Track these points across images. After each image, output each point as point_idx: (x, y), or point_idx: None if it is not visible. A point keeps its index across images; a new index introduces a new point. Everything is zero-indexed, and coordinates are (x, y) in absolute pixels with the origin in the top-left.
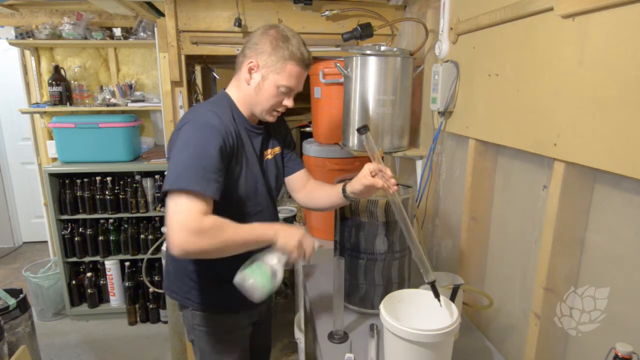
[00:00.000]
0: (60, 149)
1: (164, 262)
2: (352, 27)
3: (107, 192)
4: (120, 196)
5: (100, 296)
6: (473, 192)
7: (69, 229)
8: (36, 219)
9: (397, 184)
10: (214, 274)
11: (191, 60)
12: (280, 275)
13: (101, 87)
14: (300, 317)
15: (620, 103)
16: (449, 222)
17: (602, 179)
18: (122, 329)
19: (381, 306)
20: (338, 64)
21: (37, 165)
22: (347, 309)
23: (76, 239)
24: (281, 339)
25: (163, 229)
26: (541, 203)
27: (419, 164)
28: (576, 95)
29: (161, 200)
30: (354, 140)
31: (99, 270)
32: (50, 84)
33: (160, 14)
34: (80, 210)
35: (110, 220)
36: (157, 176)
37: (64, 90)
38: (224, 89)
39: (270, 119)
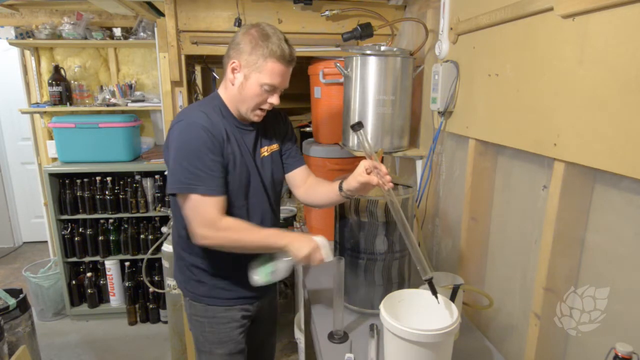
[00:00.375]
0: (60, 149)
1: (164, 262)
2: (352, 27)
3: (107, 192)
4: (120, 196)
5: (100, 296)
6: (473, 192)
7: (69, 229)
8: (36, 219)
9: (397, 184)
10: (210, 267)
11: (191, 60)
12: (283, 275)
13: (101, 87)
14: (300, 317)
15: (620, 103)
16: (449, 222)
17: (602, 179)
18: (122, 329)
19: (381, 306)
20: (338, 64)
21: (37, 165)
22: (347, 309)
23: (76, 239)
24: (281, 339)
25: (163, 229)
26: (541, 203)
27: (419, 164)
28: (576, 95)
29: (161, 201)
30: (354, 140)
31: (99, 270)
32: (50, 84)
33: (160, 14)
34: (80, 210)
35: (110, 220)
36: (157, 176)
37: (64, 90)
38: (217, 90)
39: (255, 118)
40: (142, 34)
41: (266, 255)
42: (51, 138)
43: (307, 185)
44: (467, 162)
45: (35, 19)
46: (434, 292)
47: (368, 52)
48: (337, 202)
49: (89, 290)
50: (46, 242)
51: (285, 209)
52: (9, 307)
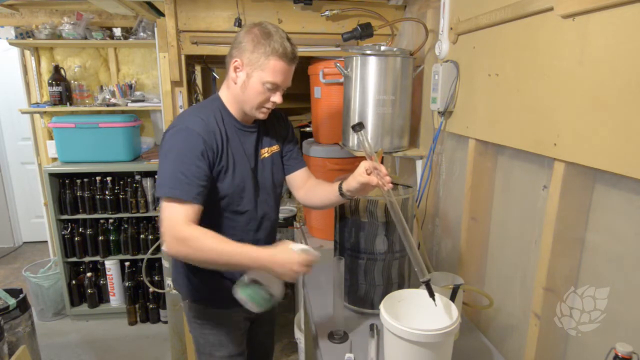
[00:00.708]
0: (60, 149)
1: (164, 262)
2: (352, 27)
3: (107, 192)
4: (120, 196)
5: (100, 296)
6: (473, 192)
7: (69, 229)
8: (36, 219)
9: (397, 184)
10: (210, 270)
11: (191, 60)
12: (278, 294)
13: (101, 87)
14: (300, 317)
15: (620, 103)
16: (449, 222)
17: (602, 179)
18: (122, 329)
19: (381, 306)
20: (338, 64)
21: (37, 165)
22: (347, 309)
23: (76, 239)
24: (281, 339)
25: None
26: (541, 203)
27: (419, 164)
28: (576, 95)
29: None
30: (354, 140)
31: (99, 270)
32: (50, 84)
33: (160, 14)
34: (80, 210)
35: (110, 220)
36: (156, 176)
37: (64, 90)
38: (218, 92)
39: (261, 116)
40: (142, 34)
41: (248, 282)
42: (51, 138)
43: (307, 187)
44: (467, 162)
45: (35, 19)
46: (432, 294)
47: (368, 52)
48: (336, 203)
49: (89, 290)
50: (46, 242)
51: (285, 209)
52: (9, 307)
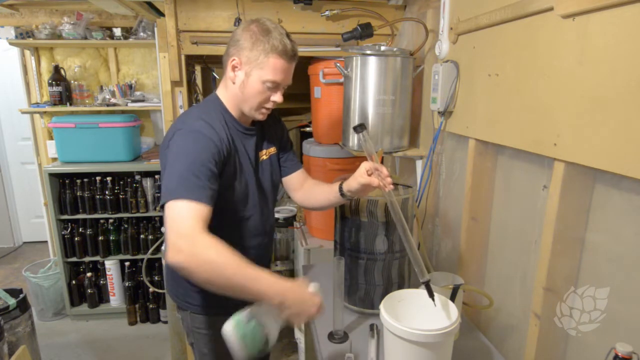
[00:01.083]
0: (60, 149)
1: (164, 262)
2: (352, 27)
3: (107, 192)
4: (120, 196)
5: (100, 296)
6: (473, 192)
7: (69, 229)
8: (36, 219)
9: (397, 184)
10: None
11: (191, 60)
12: (273, 340)
13: (101, 87)
14: None
15: (620, 103)
16: (449, 222)
17: (602, 179)
18: (122, 329)
19: (381, 306)
20: (338, 64)
21: (37, 165)
22: (347, 309)
23: (76, 239)
24: (281, 339)
25: (163, 229)
26: (541, 203)
27: (419, 164)
28: (576, 95)
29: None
30: (354, 140)
31: (99, 270)
32: (50, 84)
33: (160, 14)
34: (80, 210)
35: (110, 220)
36: (157, 176)
37: (64, 90)
38: (215, 90)
39: (260, 117)
40: (142, 34)
41: (247, 317)
42: (51, 138)
43: (304, 188)
44: (467, 162)
45: (35, 19)
46: (431, 295)
47: (368, 52)
48: (336, 203)
49: (89, 290)
50: (46, 242)
51: (285, 209)
52: (9, 307)
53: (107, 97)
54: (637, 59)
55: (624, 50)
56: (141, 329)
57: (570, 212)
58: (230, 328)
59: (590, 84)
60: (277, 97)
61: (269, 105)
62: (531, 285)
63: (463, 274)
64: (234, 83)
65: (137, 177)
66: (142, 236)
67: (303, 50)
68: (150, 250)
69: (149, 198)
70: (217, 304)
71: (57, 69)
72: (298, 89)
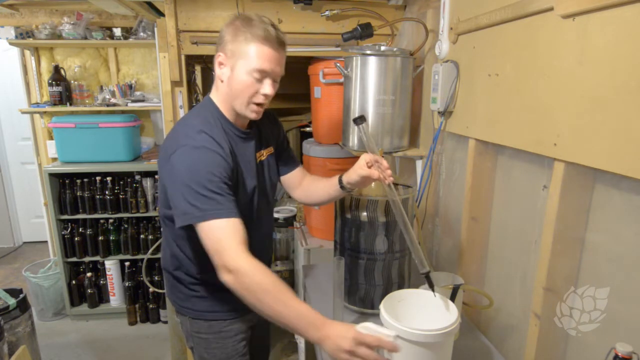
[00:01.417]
0: (60, 149)
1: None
2: (352, 27)
3: (107, 192)
4: (120, 196)
5: (100, 296)
6: (473, 192)
7: (69, 229)
8: (36, 219)
9: (397, 184)
10: (211, 280)
11: (191, 60)
12: None
13: (101, 87)
14: None
15: (620, 103)
16: (449, 222)
17: (602, 179)
18: (122, 329)
19: (381, 306)
20: (338, 64)
21: (37, 165)
22: (347, 309)
23: (76, 239)
24: (281, 339)
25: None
26: (541, 203)
27: (419, 164)
28: (576, 95)
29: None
30: (354, 140)
31: (99, 270)
32: (50, 84)
33: (160, 14)
34: (80, 210)
35: (110, 220)
36: (157, 176)
37: (64, 90)
38: (209, 93)
39: (253, 115)
40: (142, 34)
41: None
42: (51, 138)
43: (304, 185)
44: (467, 162)
45: (35, 19)
46: (431, 286)
47: (368, 52)
48: (336, 197)
49: (89, 290)
50: (46, 242)
51: (285, 209)
52: (9, 307)
53: (107, 97)
54: (637, 59)
55: (624, 50)
56: (141, 329)
57: (570, 212)
58: None
59: (590, 84)
60: (267, 89)
61: (259, 100)
62: (531, 285)
63: (463, 274)
64: (222, 81)
65: (137, 177)
66: (142, 236)
67: (303, 50)
68: (150, 250)
69: (149, 198)
70: (216, 309)
71: (57, 69)
72: (298, 89)
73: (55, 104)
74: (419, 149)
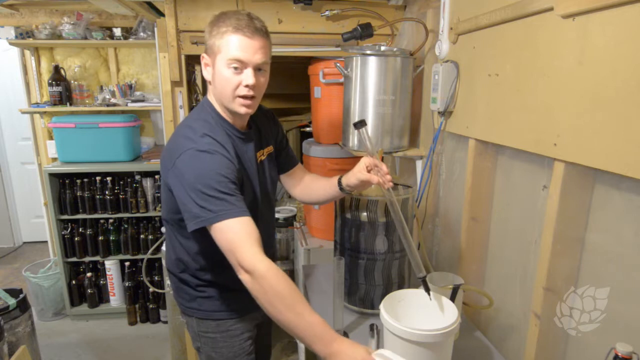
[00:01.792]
0: (60, 149)
1: (164, 262)
2: (352, 27)
3: (107, 192)
4: (120, 196)
5: (100, 296)
6: (473, 192)
7: (69, 229)
8: (36, 219)
9: (397, 184)
10: (217, 280)
11: (191, 60)
12: None
13: (101, 87)
14: None
15: (620, 103)
16: (449, 222)
17: (602, 179)
18: (122, 329)
19: (381, 306)
20: (338, 64)
21: (37, 165)
22: (347, 309)
23: (76, 239)
24: (281, 339)
25: (163, 229)
26: (541, 203)
27: (419, 164)
28: (576, 95)
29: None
30: (354, 140)
31: (99, 270)
32: (50, 84)
33: (160, 14)
34: (80, 210)
35: (110, 220)
36: (157, 176)
37: (64, 90)
38: (206, 95)
39: (242, 109)
40: (142, 34)
41: None
42: (51, 138)
43: (303, 183)
44: (467, 162)
45: (35, 19)
46: (427, 290)
47: (368, 52)
48: (335, 197)
49: (89, 290)
50: (46, 242)
51: (285, 209)
52: (9, 307)
53: (107, 97)
54: (637, 59)
55: (624, 50)
56: (141, 329)
57: (570, 212)
58: None
59: (590, 84)
60: (248, 79)
61: (243, 92)
62: (531, 285)
63: (463, 274)
64: (210, 82)
65: (137, 177)
66: (142, 236)
67: (303, 50)
68: (150, 250)
69: (149, 198)
70: (223, 308)
71: (57, 69)
72: (298, 89)
73: (55, 104)
74: (419, 149)
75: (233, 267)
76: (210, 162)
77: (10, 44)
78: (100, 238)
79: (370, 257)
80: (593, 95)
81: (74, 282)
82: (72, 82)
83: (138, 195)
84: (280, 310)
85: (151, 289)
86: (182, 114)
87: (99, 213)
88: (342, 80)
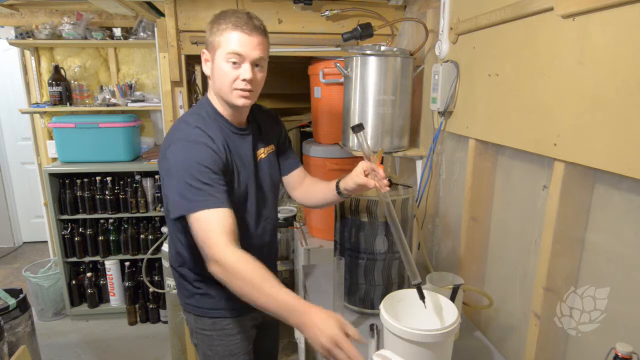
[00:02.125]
0: (60, 149)
1: (164, 262)
2: (352, 27)
3: (107, 192)
4: (120, 196)
5: (100, 296)
6: (473, 192)
7: (69, 229)
8: (36, 219)
9: (397, 184)
10: (214, 280)
11: (191, 60)
12: None
13: (101, 87)
14: None
15: (620, 103)
16: (449, 222)
17: (602, 179)
18: (122, 329)
19: (381, 306)
20: (338, 64)
21: (37, 165)
22: (347, 309)
23: (76, 239)
24: (281, 339)
25: (163, 229)
26: (541, 203)
27: (419, 164)
28: (576, 95)
29: (161, 201)
30: (354, 140)
31: (99, 270)
32: (50, 84)
33: (160, 14)
34: (80, 210)
35: (110, 220)
36: (157, 176)
37: (64, 90)
38: (206, 93)
39: (240, 101)
40: (142, 34)
41: None
42: (51, 138)
43: (303, 186)
44: (467, 162)
45: (35, 19)
46: (422, 297)
47: (368, 52)
48: (333, 201)
49: (89, 290)
50: (46, 242)
51: (285, 209)
52: (9, 307)
53: (107, 97)
54: (637, 59)
55: (624, 50)
56: (141, 329)
57: (570, 212)
58: None
59: (590, 84)
60: (245, 73)
61: (240, 85)
62: (531, 285)
63: (463, 274)
64: (209, 77)
65: (137, 177)
66: (142, 236)
67: (303, 50)
68: (150, 250)
69: (149, 198)
70: (219, 306)
71: (57, 69)
72: (298, 89)
73: (55, 104)
74: (419, 149)
75: (205, 261)
76: (194, 153)
77: (10, 44)
78: (100, 238)
79: (370, 257)
80: (593, 95)
81: (74, 282)
82: (72, 82)
83: (138, 195)
84: (251, 295)
85: (151, 289)
86: (182, 114)
87: (99, 213)
88: (342, 80)
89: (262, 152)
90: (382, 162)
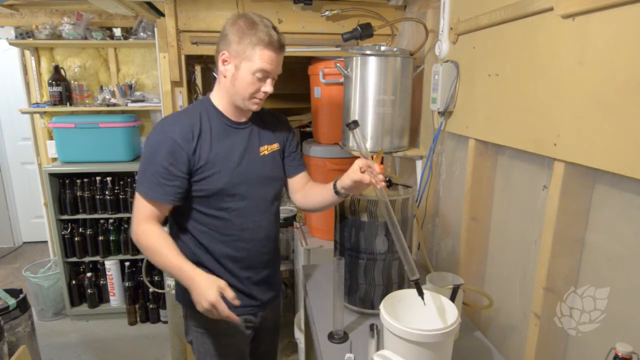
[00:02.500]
0: (60, 149)
1: None
2: (352, 27)
3: (107, 192)
4: (120, 196)
5: (100, 296)
6: (473, 192)
7: (69, 229)
8: (36, 219)
9: (397, 184)
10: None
11: (191, 60)
12: None
13: (101, 87)
14: (300, 317)
15: (620, 103)
16: (449, 222)
17: (602, 179)
18: (122, 329)
19: (381, 306)
20: (338, 64)
21: (37, 165)
22: (347, 309)
23: (76, 239)
24: (281, 339)
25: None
26: (541, 203)
27: (419, 164)
28: (576, 95)
29: None
30: (353, 140)
31: (99, 270)
32: (50, 84)
33: (160, 14)
34: (80, 210)
35: (110, 220)
36: None
37: (64, 90)
38: (208, 94)
39: (254, 107)
40: (142, 34)
41: None
42: (51, 138)
43: (304, 190)
44: (467, 162)
45: (35, 19)
46: (420, 293)
47: (368, 52)
48: (332, 202)
49: (89, 290)
50: (46, 242)
51: (285, 209)
52: (9, 307)
53: (107, 97)
54: (637, 59)
55: (624, 50)
56: (141, 329)
57: (570, 212)
58: None
59: (590, 84)
60: (268, 87)
61: (261, 96)
62: (531, 285)
63: (463, 274)
64: (225, 77)
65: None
66: None
67: (303, 50)
68: None
69: None
70: None
71: (57, 69)
72: (298, 89)
73: (55, 104)
74: (419, 149)
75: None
76: (160, 144)
77: (10, 44)
78: (100, 238)
79: (370, 257)
80: (593, 95)
81: (74, 282)
82: (72, 82)
83: None
84: (155, 261)
85: (151, 289)
86: None
87: (99, 213)
88: (342, 80)
89: (266, 149)
90: (382, 162)
